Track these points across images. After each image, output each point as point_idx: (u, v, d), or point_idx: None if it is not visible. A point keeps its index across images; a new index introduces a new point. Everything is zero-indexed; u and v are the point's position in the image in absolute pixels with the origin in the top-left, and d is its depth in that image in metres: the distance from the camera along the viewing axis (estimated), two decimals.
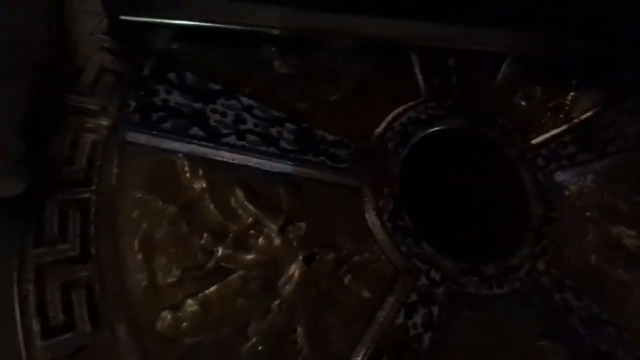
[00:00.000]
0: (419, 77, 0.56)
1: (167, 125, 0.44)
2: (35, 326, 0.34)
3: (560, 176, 0.55)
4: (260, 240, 0.43)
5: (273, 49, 0.52)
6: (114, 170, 0.41)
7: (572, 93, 0.61)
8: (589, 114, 0.60)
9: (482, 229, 0.53)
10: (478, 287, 0.46)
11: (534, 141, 0.56)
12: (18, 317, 0.35)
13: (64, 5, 0.44)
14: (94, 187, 0.40)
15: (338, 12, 0.51)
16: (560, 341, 0.47)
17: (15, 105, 0.35)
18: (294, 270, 0.42)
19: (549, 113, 0.59)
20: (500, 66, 0.59)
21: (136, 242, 0.40)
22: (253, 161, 0.46)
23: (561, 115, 0.59)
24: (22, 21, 0.37)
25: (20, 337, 0.34)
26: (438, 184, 0.53)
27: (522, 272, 0.48)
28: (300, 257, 0.43)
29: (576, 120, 0.60)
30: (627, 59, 0.61)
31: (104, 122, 0.42)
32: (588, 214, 0.55)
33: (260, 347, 0.39)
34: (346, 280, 0.44)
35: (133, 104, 0.43)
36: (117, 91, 0.43)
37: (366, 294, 0.44)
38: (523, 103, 0.59)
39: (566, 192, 0.55)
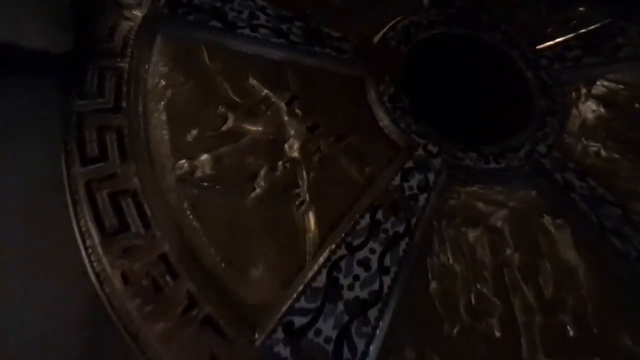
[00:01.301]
0: None
1: (191, 18, 0.50)
2: (75, 155, 0.41)
3: (565, 76, 0.56)
4: (268, 112, 0.48)
5: None
6: (145, 49, 0.48)
7: (580, 8, 0.63)
8: (597, 25, 0.61)
9: (482, 118, 0.55)
10: (475, 161, 0.48)
11: (538, 46, 0.58)
12: (62, 149, 0.42)
13: None
14: (128, 59, 0.47)
15: None
16: (562, 217, 0.48)
17: None
18: (299, 136, 0.47)
19: (554, 25, 0.61)
20: None
21: (161, 105, 0.46)
22: (265, 51, 0.51)
23: (568, 27, 0.61)
24: None
25: (63, 163, 0.41)
26: (439, 80, 0.55)
27: (522, 153, 0.50)
28: (305, 126, 0.48)
29: (583, 30, 0.61)
30: None
31: (138, 14, 0.49)
32: (594, 111, 0.55)
33: (265, 197, 0.44)
34: (346, 152, 0.48)
35: (162, 0, 0.50)
36: None
37: (365, 166, 0.47)
38: (528, 16, 0.61)
39: (573, 93, 0.56)
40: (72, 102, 0.44)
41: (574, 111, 0.54)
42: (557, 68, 0.56)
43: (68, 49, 0.43)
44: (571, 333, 0.42)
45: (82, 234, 0.39)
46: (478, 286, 0.43)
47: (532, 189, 0.49)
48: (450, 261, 0.44)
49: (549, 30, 0.60)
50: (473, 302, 0.43)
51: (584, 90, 0.56)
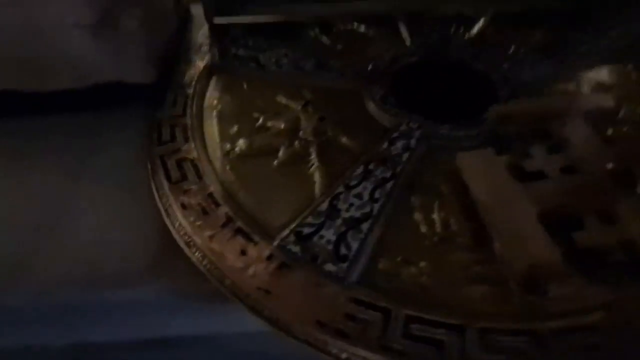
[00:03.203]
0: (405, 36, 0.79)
1: (235, 63, 0.73)
2: (155, 142, 0.61)
3: (525, 75, 0.70)
4: (288, 113, 0.66)
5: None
6: (204, 83, 0.70)
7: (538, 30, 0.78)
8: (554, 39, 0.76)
9: (456, 109, 0.67)
10: (450, 130, 0.61)
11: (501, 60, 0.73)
12: (146, 141, 0.61)
13: None
14: (193, 89, 0.68)
15: None
16: None
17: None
18: (310, 124, 0.63)
19: (516, 44, 0.76)
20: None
21: (213, 113, 0.66)
22: (287, 79, 0.71)
23: (528, 44, 0.76)
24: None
25: (146, 148, 0.61)
26: (419, 88, 0.70)
27: (490, 123, 0.62)
28: (315, 118, 0.64)
29: (539, 45, 0.75)
30: None
31: (201, 63, 0.73)
32: None
33: (285, 162, 0.59)
34: (346, 133, 0.63)
35: (217, 54, 0.74)
36: (210, 49, 0.74)
37: (361, 142, 0.62)
38: (492, 39, 0.77)
39: (535, 85, 0.69)
40: (154, 112, 0.65)
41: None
42: (517, 70, 0.70)
43: (154, 80, 0.66)
44: None
45: (156, 187, 0.57)
46: (456, 217, 0.53)
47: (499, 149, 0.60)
48: (433, 203, 0.55)
49: (510, 50, 0.76)
50: (452, 226, 0.52)
51: (543, 83, 0.69)
